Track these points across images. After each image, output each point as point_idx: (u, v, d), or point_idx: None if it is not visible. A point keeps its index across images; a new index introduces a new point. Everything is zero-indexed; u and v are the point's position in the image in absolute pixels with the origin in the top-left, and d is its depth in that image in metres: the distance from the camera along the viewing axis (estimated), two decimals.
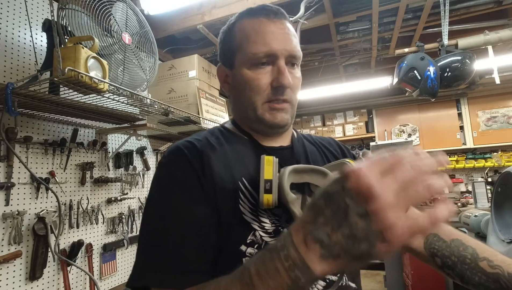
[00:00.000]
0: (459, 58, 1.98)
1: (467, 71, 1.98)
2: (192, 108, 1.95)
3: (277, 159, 0.53)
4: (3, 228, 1.22)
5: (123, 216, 1.79)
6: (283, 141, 0.69)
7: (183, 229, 0.52)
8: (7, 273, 1.22)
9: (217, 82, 2.32)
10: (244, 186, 0.57)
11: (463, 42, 2.01)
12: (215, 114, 2.15)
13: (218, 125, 0.72)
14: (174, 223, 0.52)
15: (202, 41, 2.36)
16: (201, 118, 1.90)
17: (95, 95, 1.22)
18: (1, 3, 1.27)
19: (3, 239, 1.21)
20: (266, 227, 0.56)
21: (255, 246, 0.54)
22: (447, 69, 1.97)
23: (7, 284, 1.21)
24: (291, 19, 0.67)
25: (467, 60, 1.96)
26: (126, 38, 1.34)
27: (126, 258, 1.82)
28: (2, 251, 1.20)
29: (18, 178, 1.29)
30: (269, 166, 0.51)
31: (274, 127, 0.63)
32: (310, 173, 0.54)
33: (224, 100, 2.37)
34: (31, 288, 1.29)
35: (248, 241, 0.54)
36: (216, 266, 0.53)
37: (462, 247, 0.62)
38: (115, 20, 1.30)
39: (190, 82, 2.02)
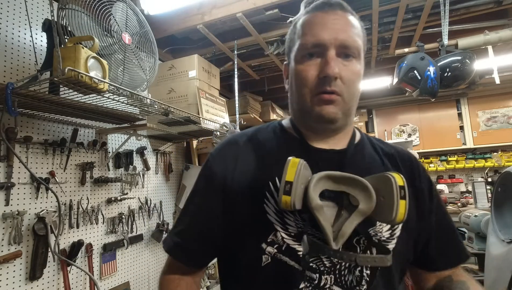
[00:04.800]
0: (459, 58, 1.97)
1: (467, 71, 1.98)
2: (192, 108, 1.95)
3: (305, 162, 0.52)
4: (3, 228, 1.22)
5: (123, 216, 1.79)
6: (337, 143, 0.63)
7: (195, 217, 0.64)
8: (7, 273, 1.22)
9: (217, 82, 2.32)
10: (274, 186, 0.58)
11: (463, 42, 2.00)
12: (215, 114, 2.15)
13: (277, 120, 0.73)
14: (192, 210, 0.65)
15: (202, 41, 2.35)
16: (201, 118, 1.90)
17: (95, 95, 1.21)
18: (1, 3, 1.27)
19: (3, 239, 1.21)
20: (289, 230, 0.55)
21: (275, 246, 0.55)
22: (447, 69, 1.97)
23: (7, 284, 1.21)
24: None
25: (467, 60, 1.96)
26: (126, 38, 1.34)
27: (126, 258, 1.82)
28: (2, 251, 1.20)
29: (18, 178, 1.29)
30: (293, 168, 0.50)
31: (320, 120, 0.59)
32: (348, 183, 0.51)
33: (224, 100, 2.37)
34: (31, 288, 1.29)
35: (268, 240, 0.55)
36: (237, 260, 0.60)
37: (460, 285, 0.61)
38: (115, 20, 1.30)
39: (190, 82, 2.02)
